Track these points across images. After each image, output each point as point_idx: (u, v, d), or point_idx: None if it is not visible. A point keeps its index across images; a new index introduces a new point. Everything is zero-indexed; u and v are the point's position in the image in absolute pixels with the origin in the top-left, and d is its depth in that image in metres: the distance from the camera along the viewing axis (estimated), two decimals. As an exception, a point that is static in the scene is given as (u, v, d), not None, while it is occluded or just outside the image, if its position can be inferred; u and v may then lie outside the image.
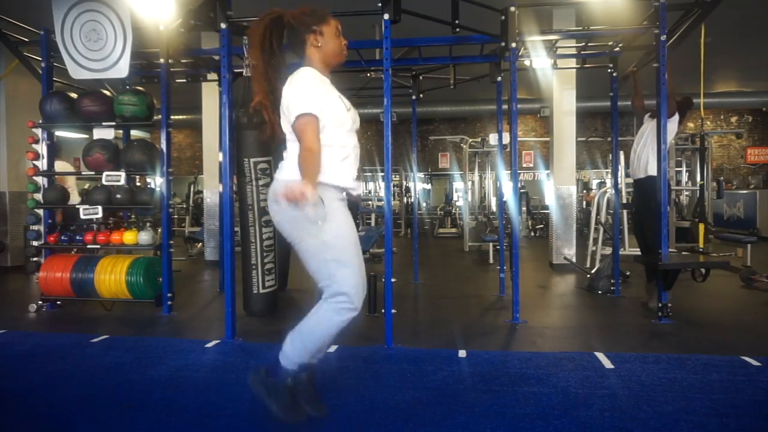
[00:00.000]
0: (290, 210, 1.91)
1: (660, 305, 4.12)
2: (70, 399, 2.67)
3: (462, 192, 12.32)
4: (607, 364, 3.10)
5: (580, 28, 5.51)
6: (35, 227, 4.74)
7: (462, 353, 3.33)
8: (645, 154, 4.60)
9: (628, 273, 6.05)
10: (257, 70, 2.09)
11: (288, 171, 2.04)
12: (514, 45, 4.18)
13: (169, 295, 4.50)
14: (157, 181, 4.69)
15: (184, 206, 12.05)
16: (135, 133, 5.59)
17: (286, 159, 2.09)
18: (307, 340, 1.99)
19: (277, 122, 2.12)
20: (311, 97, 1.95)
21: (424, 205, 15.49)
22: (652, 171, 4.47)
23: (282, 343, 2.19)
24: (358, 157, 2.20)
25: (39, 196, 4.73)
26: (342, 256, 1.96)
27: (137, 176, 5.04)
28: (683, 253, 6.59)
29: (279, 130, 2.14)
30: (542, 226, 12.32)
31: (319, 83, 2.03)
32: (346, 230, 1.99)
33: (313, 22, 2.09)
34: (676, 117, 4.54)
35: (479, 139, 11.61)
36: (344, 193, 2.15)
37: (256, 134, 4.29)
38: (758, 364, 3.07)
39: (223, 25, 3.83)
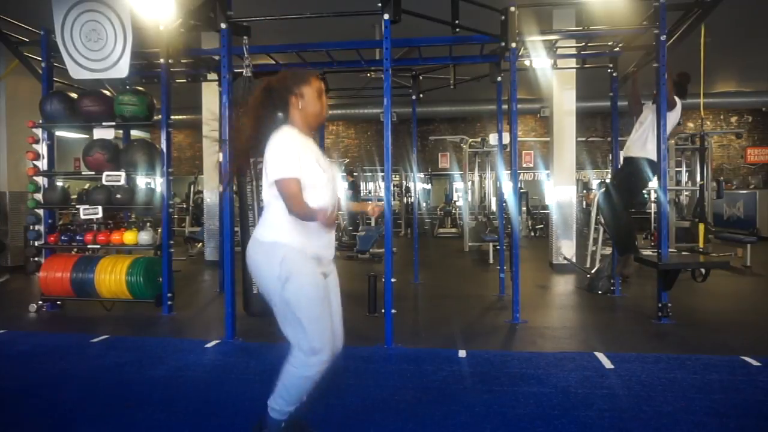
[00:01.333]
0: (260, 265, 2.04)
1: (660, 305, 4.12)
2: (71, 398, 2.67)
3: (462, 192, 12.31)
4: (607, 364, 3.10)
5: (580, 28, 5.51)
6: (35, 227, 4.74)
7: (462, 353, 3.33)
8: (644, 138, 4.59)
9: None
10: (249, 127, 2.18)
11: (267, 229, 2.09)
12: (514, 45, 4.18)
13: (169, 295, 4.50)
14: (157, 181, 4.69)
15: (184, 206, 12.04)
16: (135, 133, 5.59)
17: (266, 216, 2.13)
18: (287, 396, 2.06)
19: (247, 164, 2.24)
20: (289, 161, 2.01)
21: (424, 205, 15.48)
22: (648, 154, 4.51)
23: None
24: (334, 203, 2.20)
25: (39, 196, 4.74)
26: (301, 317, 2.00)
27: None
28: (683, 253, 6.59)
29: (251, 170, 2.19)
30: (542, 226, 12.31)
31: (298, 146, 2.07)
32: (308, 290, 2.02)
33: (294, 84, 2.14)
34: (678, 107, 4.53)
35: (479, 139, 11.61)
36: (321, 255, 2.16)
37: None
38: (758, 364, 3.07)
39: (223, 25, 3.83)
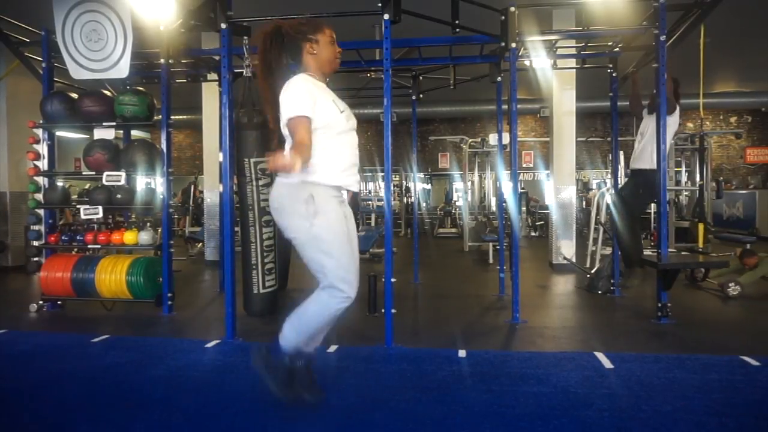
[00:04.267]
0: (286, 206, 2.08)
1: (660, 305, 4.13)
2: (71, 399, 2.68)
3: (462, 192, 12.32)
4: (607, 363, 3.11)
5: (580, 28, 5.50)
6: (36, 227, 4.75)
7: (462, 353, 3.34)
8: (648, 149, 4.60)
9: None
10: (260, 77, 2.23)
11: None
12: (514, 45, 4.18)
13: (169, 295, 4.51)
14: (157, 181, 4.70)
15: (181, 204, 12.01)
16: (135, 133, 5.60)
17: None
18: (304, 322, 2.12)
19: (279, 123, 2.24)
20: (301, 100, 2.07)
21: (424, 205, 15.49)
22: (653, 165, 4.47)
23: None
24: (356, 156, 2.30)
25: (40, 196, 4.74)
26: (331, 249, 2.06)
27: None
28: (683, 253, 6.59)
29: (280, 130, 2.26)
30: (542, 223, 12.30)
31: (312, 87, 2.14)
32: (336, 226, 2.10)
33: (308, 31, 2.21)
34: (677, 110, 4.56)
35: (479, 139, 11.62)
36: (342, 192, 2.21)
37: (257, 134, 4.30)
38: (757, 363, 3.08)
39: (223, 25, 3.83)
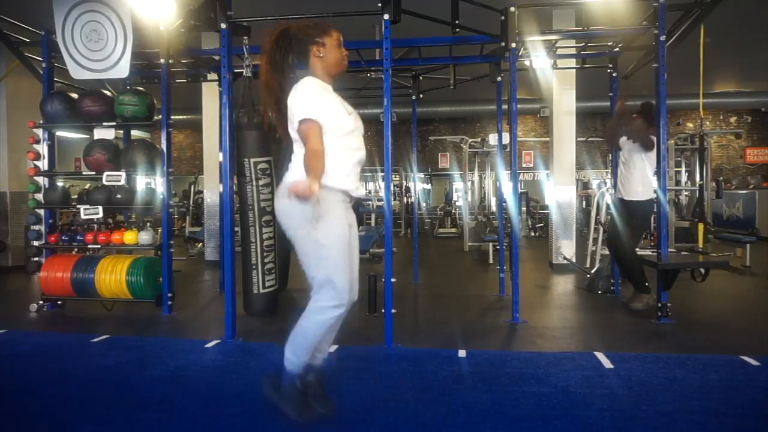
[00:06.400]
0: (290, 207, 2.07)
1: (659, 305, 4.13)
2: (71, 398, 2.68)
3: (462, 192, 12.31)
4: (607, 363, 3.11)
5: (580, 28, 5.52)
6: (36, 227, 4.75)
7: (462, 353, 3.34)
8: (634, 180, 4.60)
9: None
10: (266, 79, 2.22)
11: (295, 172, 2.17)
12: (514, 45, 4.18)
13: (169, 295, 4.51)
14: (157, 181, 4.70)
15: (180, 203, 11.98)
16: (135, 133, 5.59)
17: (293, 161, 2.21)
18: (301, 339, 2.10)
19: (283, 125, 2.26)
20: (312, 103, 2.08)
21: (424, 205, 15.48)
22: (641, 196, 4.58)
23: (283, 343, 2.24)
24: (361, 159, 2.33)
25: (40, 197, 4.74)
26: (331, 255, 2.07)
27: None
28: (683, 253, 6.60)
29: (285, 132, 2.27)
30: (542, 224, 12.31)
31: (321, 90, 2.15)
32: (338, 231, 2.11)
33: (316, 33, 2.22)
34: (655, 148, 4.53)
35: (479, 139, 11.61)
36: (346, 196, 2.22)
37: (257, 134, 4.30)
38: (757, 364, 3.08)
39: (223, 25, 3.83)
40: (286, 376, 2.12)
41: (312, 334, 2.09)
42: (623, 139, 4.78)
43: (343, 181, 2.15)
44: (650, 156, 4.49)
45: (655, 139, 4.28)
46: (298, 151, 2.18)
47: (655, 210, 4.56)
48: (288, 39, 2.23)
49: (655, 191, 4.41)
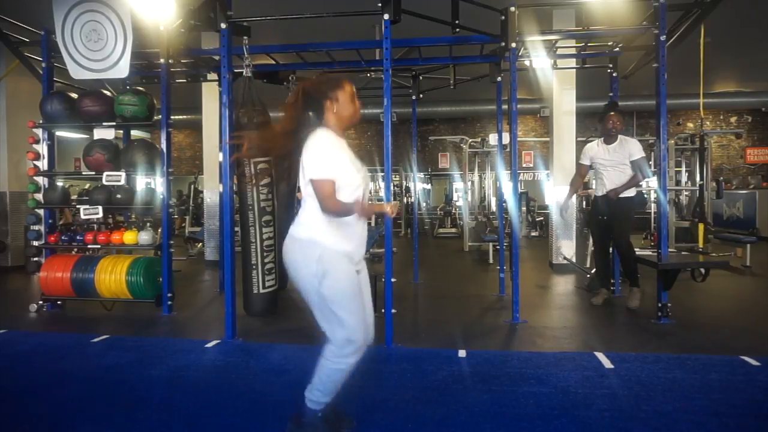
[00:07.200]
0: (295, 263, 2.14)
1: (660, 305, 4.13)
2: (71, 398, 2.68)
3: (462, 192, 12.31)
4: (607, 363, 3.11)
5: (580, 28, 5.51)
6: (36, 227, 4.74)
7: (462, 353, 3.34)
8: (617, 177, 4.66)
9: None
10: (285, 127, 2.27)
11: (303, 227, 2.17)
12: (514, 45, 4.18)
13: (169, 295, 4.51)
14: (157, 181, 4.70)
15: (179, 202, 11.99)
16: (135, 133, 5.60)
17: (302, 215, 2.22)
18: (322, 388, 2.16)
19: (294, 170, 2.26)
20: (327, 162, 2.13)
21: (424, 205, 15.48)
22: (625, 192, 4.63)
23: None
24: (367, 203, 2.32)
25: (39, 196, 4.74)
26: (339, 309, 2.10)
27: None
28: (683, 253, 6.59)
29: (285, 181, 2.30)
30: (540, 219, 12.28)
31: (335, 147, 2.19)
32: (344, 285, 2.13)
33: (329, 89, 2.25)
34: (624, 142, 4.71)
35: (479, 139, 11.60)
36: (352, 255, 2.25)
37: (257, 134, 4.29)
38: (757, 363, 3.08)
39: (223, 25, 3.83)
40: (308, 413, 2.19)
41: (332, 380, 2.15)
42: (596, 143, 4.94)
43: (341, 243, 2.16)
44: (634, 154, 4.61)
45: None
46: (308, 204, 2.19)
47: (637, 206, 4.59)
48: (306, 96, 2.28)
49: (639, 191, 4.47)
